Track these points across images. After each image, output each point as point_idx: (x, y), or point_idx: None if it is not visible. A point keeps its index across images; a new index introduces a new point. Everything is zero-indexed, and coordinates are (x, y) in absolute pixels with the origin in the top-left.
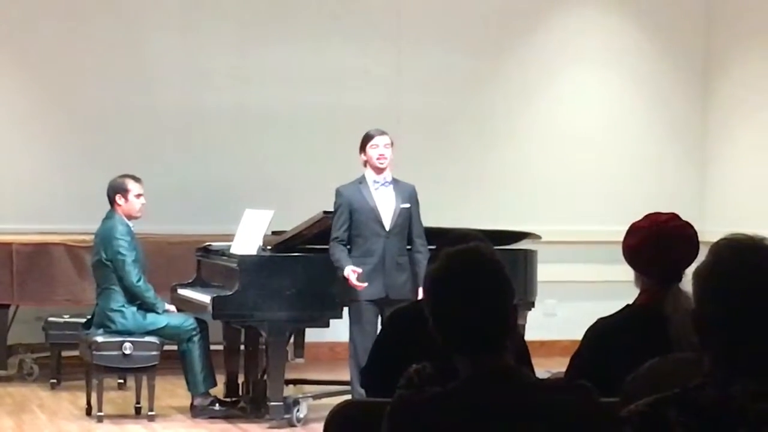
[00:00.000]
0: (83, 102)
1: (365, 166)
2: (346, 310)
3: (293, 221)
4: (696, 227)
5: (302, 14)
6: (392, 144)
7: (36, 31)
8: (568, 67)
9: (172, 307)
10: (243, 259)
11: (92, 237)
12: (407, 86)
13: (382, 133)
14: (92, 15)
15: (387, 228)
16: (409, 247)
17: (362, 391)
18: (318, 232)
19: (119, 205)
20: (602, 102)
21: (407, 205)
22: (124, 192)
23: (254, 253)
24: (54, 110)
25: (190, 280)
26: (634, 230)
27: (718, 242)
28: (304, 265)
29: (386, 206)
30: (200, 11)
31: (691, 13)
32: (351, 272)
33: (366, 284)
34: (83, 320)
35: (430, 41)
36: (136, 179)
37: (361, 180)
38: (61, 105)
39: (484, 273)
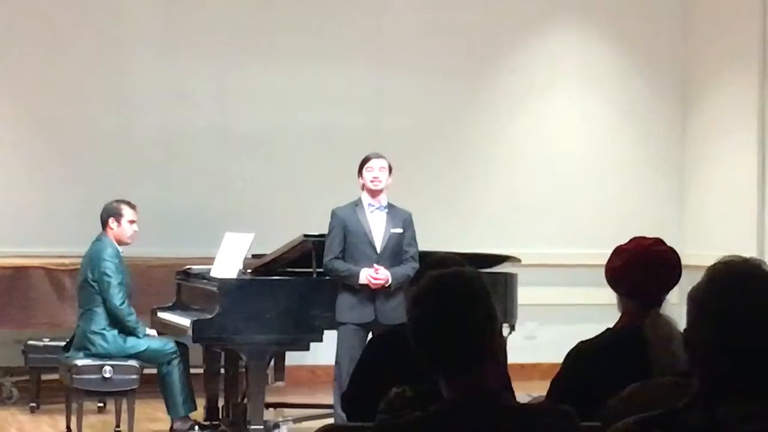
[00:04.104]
0: (62, 125)
1: (362, 189)
2: (326, 333)
3: (273, 244)
4: (675, 249)
5: (283, 36)
6: (390, 169)
7: (14, 54)
8: (548, 90)
9: (153, 332)
10: (223, 283)
11: (72, 260)
12: (388, 108)
13: (379, 156)
14: (72, 38)
15: (378, 251)
16: None
17: (344, 414)
18: (298, 255)
19: (111, 229)
20: (582, 125)
21: (399, 230)
22: (118, 216)
23: (234, 276)
24: (33, 133)
25: (170, 304)
26: (618, 253)
27: (714, 265)
28: (284, 289)
29: (378, 229)
30: (180, 34)
31: (670, 36)
32: (374, 270)
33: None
34: (63, 343)
35: (411, 63)
36: (132, 206)
37: (357, 203)
38: (41, 128)
39: (467, 297)
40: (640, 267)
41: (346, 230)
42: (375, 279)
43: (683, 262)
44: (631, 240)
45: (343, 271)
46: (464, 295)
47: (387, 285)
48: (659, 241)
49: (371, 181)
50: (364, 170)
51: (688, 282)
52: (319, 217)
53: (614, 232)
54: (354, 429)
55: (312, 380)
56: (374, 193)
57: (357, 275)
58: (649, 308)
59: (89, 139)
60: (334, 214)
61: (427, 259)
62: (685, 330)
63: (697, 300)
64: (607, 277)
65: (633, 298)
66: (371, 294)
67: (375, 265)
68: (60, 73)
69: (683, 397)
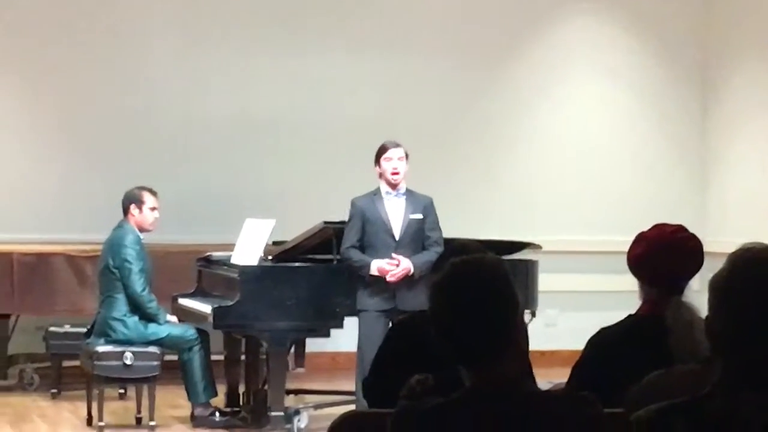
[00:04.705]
0: (83, 111)
1: (380, 178)
2: (347, 320)
3: (294, 231)
4: (697, 236)
5: (302, 22)
6: (407, 156)
7: (34, 39)
8: (567, 78)
9: (174, 318)
10: (244, 270)
11: (93, 247)
12: (407, 95)
13: (397, 145)
14: (91, 23)
15: (396, 238)
16: None
17: (365, 401)
18: (319, 242)
19: (132, 215)
20: (601, 112)
21: (418, 216)
22: (140, 203)
23: (255, 263)
24: (54, 120)
25: (190, 290)
26: (639, 240)
27: (735, 251)
28: (305, 276)
29: (396, 216)
30: (200, 19)
31: (690, 23)
32: (385, 263)
33: (397, 264)
34: (84, 330)
35: (430, 50)
36: (153, 192)
37: (376, 192)
38: (61, 114)
39: (488, 284)
40: (663, 254)
41: (365, 220)
42: (389, 272)
43: (704, 249)
44: (653, 227)
45: (356, 261)
46: (486, 283)
47: (411, 273)
48: (681, 228)
49: (392, 174)
50: (382, 160)
51: (709, 269)
52: (338, 203)
53: (635, 218)
54: (375, 415)
55: (332, 367)
56: (393, 185)
57: (368, 266)
58: (671, 295)
59: (109, 126)
60: (353, 204)
61: (448, 246)
62: (706, 317)
63: (718, 287)
64: (629, 264)
65: (655, 285)
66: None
67: (393, 254)
68: (80, 61)
69: (705, 384)
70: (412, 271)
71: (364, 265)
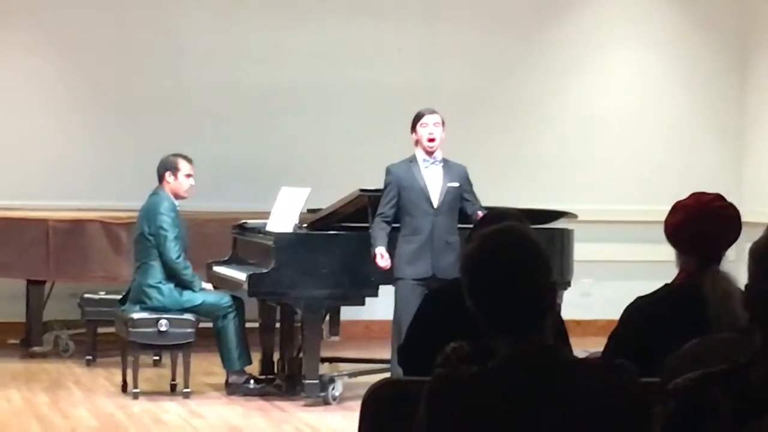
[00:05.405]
0: (118, 80)
1: (416, 145)
2: (381, 288)
3: (328, 199)
4: (735, 205)
5: None
6: (443, 123)
7: (69, 11)
8: (604, 47)
9: (209, 286)
10: (279, 237)
11: (128, 214)
12: (442, 65)
13: (433, 111)
14: None
15: (435, 206)
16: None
17: (401, 369)
18: (354, 210)
19: (167, 182)
20: (639, 81)
21: (455, 184)
22: (175, 170)
23: (290, 230)
24: (88, 89)
25: (225, 258)
26: (677, 208)
27: None
28: (340, 243)
29: (434, 184)
30: None
31: None
32: (380, 255)
33: (388, 265)
34: (119, 297)
35: (466, 19)
36: (188, 159)
37: (412, 159)
38: (96, 84)
39: (520, 253)
40: (700, 223)
41: (401, 187)
42: (381, 266)
43: (741, 218)
44: (690, 195)
45: (371, 236)
46: (517, 252)
47: None
48: (719, 197)
49: (428, 140)
50: (418, 126)
51: (746, 239)
52: (372, 172)
53: (671, 187)
54: (410, 383)
55: (367, 335)
56: (429, 151)
57: (374, 247)
58: (708, 265)
59: (146, 95)
60: (388, 171)
61: (487, 214)
62: (746, 286)
63: (758, 256)
64: (666, 233)
65: (692, 254)
66: (429, 248)
67: (479, 212)
68: (114, 31)
69: (743, 353)
70: None
71: (373, 244)
